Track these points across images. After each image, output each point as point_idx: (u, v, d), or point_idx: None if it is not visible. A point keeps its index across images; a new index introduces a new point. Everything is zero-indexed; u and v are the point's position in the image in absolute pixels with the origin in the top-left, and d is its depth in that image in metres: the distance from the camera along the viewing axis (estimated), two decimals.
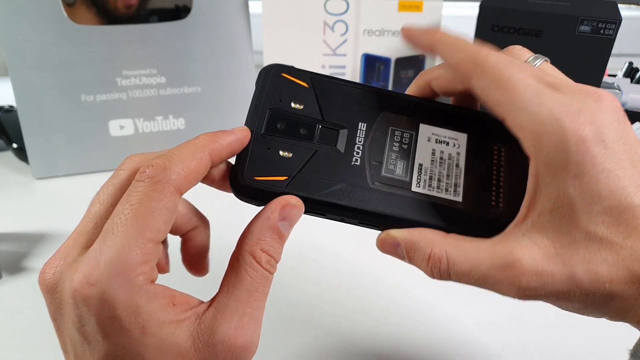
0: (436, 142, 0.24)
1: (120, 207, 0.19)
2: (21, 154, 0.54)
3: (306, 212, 0.22)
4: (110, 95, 0.52)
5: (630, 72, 0.72)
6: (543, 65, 0.23)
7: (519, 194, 0.21)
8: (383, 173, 0.23)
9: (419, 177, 0.23)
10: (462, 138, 0.24)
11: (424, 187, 0.23)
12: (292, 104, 0.24)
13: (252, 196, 0.22)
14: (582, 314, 0.20)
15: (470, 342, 0.34)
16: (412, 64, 0.55)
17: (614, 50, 0.42)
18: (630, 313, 0.19)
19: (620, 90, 0.57)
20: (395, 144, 0.24)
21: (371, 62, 0.55)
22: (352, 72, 0.55)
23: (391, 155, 0.23)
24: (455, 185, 0.23)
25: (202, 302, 0.21)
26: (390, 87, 0.56)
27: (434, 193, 0.23)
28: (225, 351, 0.19)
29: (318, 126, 0.23)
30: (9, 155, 0.56)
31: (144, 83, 0.53)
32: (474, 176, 0.23)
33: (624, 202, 0.18)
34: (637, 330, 0.20)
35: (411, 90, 0.26)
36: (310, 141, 0.23)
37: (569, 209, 0.19)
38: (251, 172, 0.22)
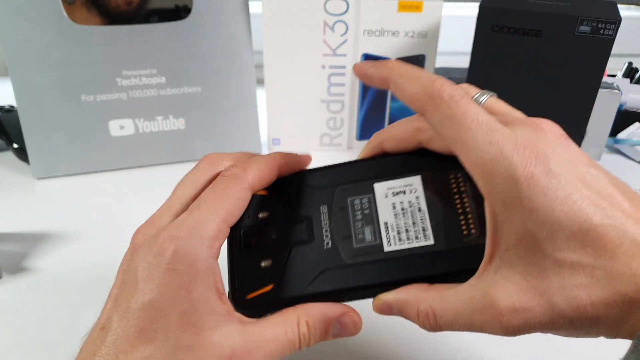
0: (393, 195, 0.24)
1: (207, 192, 0.23)
2: (21, 154, 0.54)
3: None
4: (111, 96, 0.52)
5: (630, 73, 0.72)
6: (490, 100, 0.23)
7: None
8: (355, 245, 0.24)
9: (387, 236, 0.23)
10: (416, 181, 0.24)
11: (395, 244, 0.23)
12: (260, 215, 0.25)
13: (253, 314, 0.23)
14: (577, 337, 0.20)
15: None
16: (411, 64, 0.55)
17: (614, 51, 0.42)
18: (622, 331, 0.19)
19: (619, 90, 0.57)
20: (357, 213, 0.24)
21: None
22: (352, 72, 0.56)
23: (357, 226, 0.24)
24: (424, 229, 0.23)
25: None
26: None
27: (406, 245, 0.23)
28: None
29: (286, 226, 0.25)
30: (10, 156, 0.56)
31: (144, 83, 0.53)
32: (438, 213, 0.23)
33: (585, 224, 0.19)
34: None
35: (364, 153, 0.27)
36: (284, 243, 0.24)
37: (532, 241, 0.19)
38: (243, 293, 0.23)
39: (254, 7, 0.53)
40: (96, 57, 0.50)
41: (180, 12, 0.52)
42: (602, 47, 0.42)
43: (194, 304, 0.21)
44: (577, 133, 0.46)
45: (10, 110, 0.58)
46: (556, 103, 0.45)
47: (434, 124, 0.22)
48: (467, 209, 0.23)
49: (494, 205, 0.20)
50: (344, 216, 0.24)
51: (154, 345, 0.20)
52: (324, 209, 0.25)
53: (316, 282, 0.23)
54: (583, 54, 0.43)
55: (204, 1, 0.51)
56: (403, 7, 0.52)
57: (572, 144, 0.21)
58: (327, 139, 0.60)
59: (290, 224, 0.25)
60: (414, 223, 0.23)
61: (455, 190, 0.23)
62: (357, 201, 0.24)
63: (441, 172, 0.24)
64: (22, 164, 0.55)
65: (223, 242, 0.23)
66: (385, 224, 0.24)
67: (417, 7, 0.52)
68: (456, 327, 0.21)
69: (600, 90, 0.52)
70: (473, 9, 0.47)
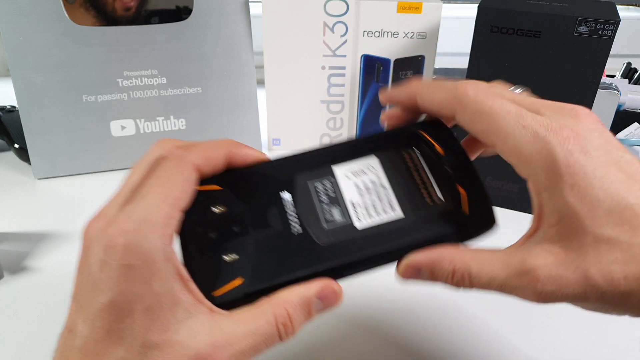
0: (355, 176, 0.25)
1: (151, 177, 0.22)
2: (23, 154, 0.54)
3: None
4: (112, 96, 0.52)
5: (629, 73, 0.72)
6: (522, 93, 0.24)
7: (445, 179, 0.23)
8: (326, 228, 0.23)
9: (357, 213, 0.24)
10: (373, 161, 0.25)
11: (365, 220, 0.23)
12: (215, 210, 0.24)
13: (226, 308, 0.22)
14: (603, 312, 0.21)
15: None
16: (411, 65, 0.56)
17: (613, 51, 0.42)
18: None
19: (618, 90, 0.57)
20: (321, 196, 0.24)
21: (371, 63, 0.55)
22: (351, 73, 0.56)
23: (324, 208, 0.24)
24: (390, 204, 0.24)
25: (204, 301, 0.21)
26: (389, 88, 0.57)
27: (377, 220, 0.23)
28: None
29: (248, 217, 0.24)
30: (11, 156, 0.56)
31: (145, 84, 0.53)
32: (400, 187, 0.24)
33: (621, 202, 0.20)
34: None
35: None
36: (247, 235, 0.23)
37: (574, 217, 0.20)
38: (209, 291, 0.22)
39: (254, 8, 0.54)
40: (97, 57, 0.51)
41: (181, 13, 0.52)
42: (601, 48, 0.42)
43: (157, 298, 0.20)
44: None
45: (12, 110, 0.58)
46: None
47: (466, 123, 0.23)
48: (426, 182, 0.24)
49: (537, 185, 0.21)
50: (309, 201, 0.24)
51: (124, 345, 0.20)
52: (286, 197, 0.24)
53: (291, 268, 0.22)
54: (582, 54, 0.43)
55: (205, 2, 0.51)
56: (402, 8, 0.53)
57: (607, 130, 0.22)
58: (327, 139, 0.60)
59: (252, 215, 0.24)
60: (379, 199, 0.24)
61: (411, 165, 0.25)
62: (319, 185, 0.25)
63: (394, 151, 0.25)
64: (23, 164, 0.55)
65: (175, 228, 0.21)
66: (352, 202, 0.24)
67: (417, 8, 0.53)
68: (488, 288, 0.22)
69: (599, 91, 0.52)
70: (472, 10, 0.47)
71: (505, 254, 0.22)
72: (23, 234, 0.44)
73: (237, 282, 0.22)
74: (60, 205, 0.49)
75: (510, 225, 0.26)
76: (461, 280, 0.22)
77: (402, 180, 0.25)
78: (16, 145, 0.55)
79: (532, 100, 0.23)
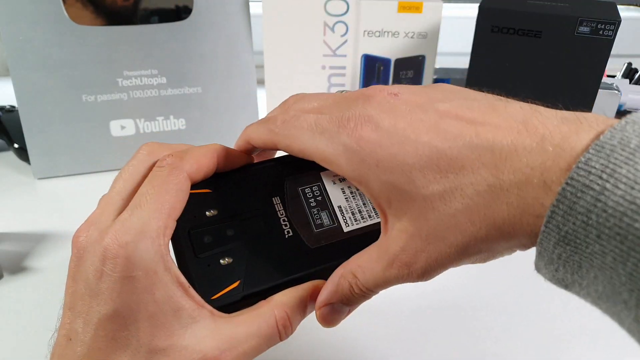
0: (340, 182, 0.26)
1: (146, 186, 0.22)
2: (22, 154, 0.54)
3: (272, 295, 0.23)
4: (112, 96, 0.52)
5: (629, 73, 0.72)
6: (335, 94, 0.24)
7: None
8: (315, 230, 0.24)
9: (344, 218, 0.25)
10: None
11: (352, 224, 0.24)
12: (207, 214, 0.24)
13: (225, 311, 0.22)
14: (486, 259, 0.20)
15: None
16: (411, 65, 0.56)
17: (613, 51, 0.42)
18: (524, 244, 0.18)
19: (619, 91, 0.57)
20: (310, 200, 0.25)
21: (371, 63, 0.55)
22: (352, 72, 0.56)
23: (313, 212, 0.25)
24: (374, 208, 0.24)
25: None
26: None
27: (362, 224, 0.24)
28: None
29: (240, 221, 0.24)
30: (10, 156, 0.56)
31: (145, 83, 0.53)
32: None
33: (433, 155, 0.19)
34: None
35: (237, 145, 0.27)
36: (241, 238, 0.24)
37: (396, 191, 0.20)
38: (207, 295, 0.22)
39: (255, 8, 0.54)
40: (97, 57, 0.50)
41: (180, 13, 0.52)
42: (602, 48, 0.42)
43: (160, 306, 0.20)
44: None
45: (11, 110, 0.58)
46: (555, 103, 0.45)
47: (285, 149, 0.23)
48: None
49: (352, 178, 0.21)
50: (299, 205, 0.25)
51: (129, 351, 0.20)
52: (276, 200, 0.25)
53: (285, 270, 0.23)
54: (583, 54, 0.43)
55: (205, 2, 0.51)
56: (403, 8, 0.53)
57: (403, 95, 0.21)
58: None
59: (244, 218, 0.24)
60: (364, 204, 0.25)
61: None
62: (307, 190, 0.25)
63: None
64: (23, 164, 0.55)
65: (170, 236, 0.22)
66: (339, 207, 0.25)
67: (417, 8, 0.53)
68: (384, 287, 0.22)
69: (600, 91, 0.52)
70: (473, 10, 0.47)
71: (375, 249, 0.22)
72: (23, 234, 0.44)
73: (235, 285, 0.22)
74: (60, 205, 0.49)
75: None
76: (359, 289, 0.22)
77: None
78: (16, 145, 0.55)
79: (332, 100, 0.23)
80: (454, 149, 0.19)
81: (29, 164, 0.53)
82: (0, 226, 0.45)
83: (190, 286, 0.21)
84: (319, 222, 0.24)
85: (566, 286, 0.18)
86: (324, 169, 0.26)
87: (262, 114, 0.58)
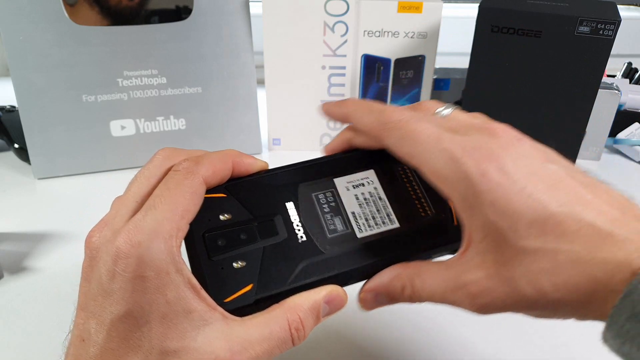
0: (354, 188, 0.26)
1: (161, 189, 0.22)
2: (22, 154, 0.54)
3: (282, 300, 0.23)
4: (112, 96, 0.52)
5: (629, 73, 0.72)
6: (452, 112, 0.25)
7: (436, 194, 0.24)
8: (329, 236, 0.24)
9: (357, 224, 0.25)
10: (371, 174, 0.27)
11: (366, 230, 0.25)
12: (221, 218, 0.24)
13: (237, 314, 0.22)
14: (546, 317, 0.21)
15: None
16: (411, 65, 0.55)
17: (613, 51, 0.42)
18: (591, 312, 0.20)
19: (619, 90, 0.57)
20: (324, 206, 0.25)
21: (371, 63, 0.55)
22: (352, 72, 0.56)
23: (327, 217, 0.25)
24: (388, 215, 0.25)
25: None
26: (390, 87, 0.57)
27: (376, 230, 0.25)
28: None
29: (254, 225, 0.24)
30: (11, 156, 0.56)
31: (145, 83, 0.53)
32: (396, 200, 0.26)
33: (543, 212, 0.20)
34: None
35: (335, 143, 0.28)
36: (254, 242, 0.24)
37: (496, 233, 0.21)
38: (220, 298, 0.22)
39: (255, 8, 0.54)
40: (97, 57, 0.51)
41: (181, 13, 0.52)
42: (602, 48, 0.42)
43: (172, 307, 0.20)
44: (576, 133, 0.46)
45: (12, 110, 0.58)
46: (556, 103, 0.45)
47: (391, 146, 0.24)
48: (419, 195, 0.26)
49: (457, 205, 0.22)
50: (313, 210, 0.25)
51: (141, 352, 0.20)
52: (290, 206, 0.25)
53: (298, 275, 0.23)
54: (582, 54, 0.43)
55: (205, 2, 0.51)
56: (403, 8, 0.53)
57: (526, 144, 0.22)
58: (327, 139, 0.60)
59: (258, 222, 0.24)
60: (378, 210, 0.25)
61: (405, 180, 0.26)
62: (321, 196, 0.26)
63: (389, 166, 0.27)
64: (23, 164, 0.55)
65: (183, 238, 0.22)
66: (353, 213, 0.25)
67: (417, 8, 0.53)
68: (434, 301, 0.23)
69: (600, 91, 0.52)
70: (473, 10, 0.47)
71: (444, 268, 0.23)
72: (23, 234, 0.44)
73: (247, 288, 0.23)
74: (60, 205, 0.49)
75: None
76: (410, 295, 0.23)
77: (397, 193, 0.26)
78: (16, 145, 0.55)
79: (456, 121, 0.24)
80: (562, 215, 0.20)
81: (29, 164, 0.53)
82: (0, 226, 0.45)
83: (202, 288, 0.21)
84: (332, 227, 0.25)
85: None
86: (337, 176, 0.26)
87: (262, 113, 0.58)
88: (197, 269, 0.23)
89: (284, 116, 0.58)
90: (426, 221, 0.25)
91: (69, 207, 0.49)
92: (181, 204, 0.22)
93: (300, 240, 0.24)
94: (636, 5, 0.87)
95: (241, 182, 0.25)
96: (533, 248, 0.20)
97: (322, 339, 0.35)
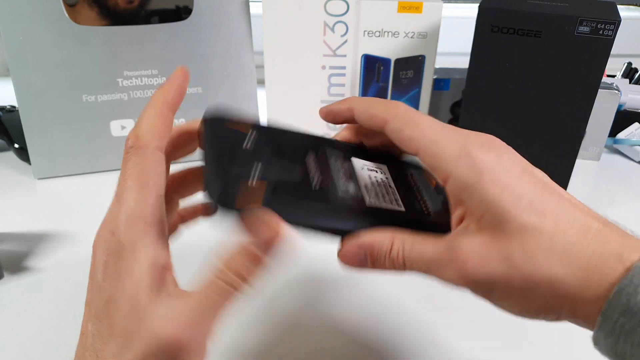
0: (368, 170, 0.27)
1: (122, 177, 0.23)
2: (23, 154, 0.54)
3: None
4: (112, 96, 0.52)
5: (629, 73, 0.72)
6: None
7: (436, 205, 0.26)
8: (340, 194, 0.25)
9: (368, 194, 0.26)
10: (384, 168, 0.28)
11: (375, 201, 0.26)
12: (245, 146, 0.25)
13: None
14: (521, 303, 0.22)
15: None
16: (411, 65, 0.55)
17: (613, 51, 0.42)
18: (580, 311, 0.20)
19: (619, 90, 0.57)
20: (340, 172, 0.26)
21: (371, 63, 0.55)
22: (352, 72, 0.56)
23: (341, 180, 0.26)
24: (396, 199, 0.26)
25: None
26: (390, 87, 0.57)
27: (384, 205, 0.26)
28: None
29: (275, 160, 0.25)
30: (11, 156, 0.56)
31: (145, 84, 0.53)
32: (404, 194, 0.27)
33: (542, 196, 0.21)
34: None
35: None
36: (272, 171, 0.24)
37: (498, 208, 0.21)
38: (230, 205, 0.22)
39: (255, 8, 0.54)
40: (97, 57, 0.51)
41: (181, 13, 0.52)
42: (602, 48, 0.42)
43: (136, 287, 0.20)
44: (576, 133, 0.46)
45: (12, 110, 0.59)
46: (556, 103, 0.45)
47: (394, 131, 0.25)
48: (423, 197, 0.27)
49: (458, 184, 0.23)
50: (330, 171, 0.26)
51: (115, 338, 0.20)
52: (310, 160, 0.26)
53: (305, 215, 0.23)
54: (582, 54, 0.43)
55: (205, 2, 0.51)
56: (403, 8, 0.53)
57: (516, 153, 0.24)
58: None
59: (280, 160, 0.25)
60: (387, 192, 0.27)
61: (412, 183, 0.28)
62: (339, 163, 0.27)
63: (401, 167, 0.29)
64: (23, 164, 0.55)
65: (158, 211, 0.22)
66: (365, 185, 0.26)
67: (417, 8, 0.53)
68: (419, 266, 0.23)
69: (600, 91, 0.52)
70: (473, 10, 0.47)
71: (437, 237, 0.23)
72: (23, 234, 0.44)
73: (257, 203, 0.22)
74: (60, 205, 0.49)
75: None
76: (394, 258, 0.24)
77: (405, 190, 0.27)
78: (16, 145, 0.55)
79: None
80: (558, 205, 0.21)
81: (29, 164, 0.53)
82: (0, 226, 0.45)
83: (166, 268, 0.21)
84: (344, 188, 0.25)
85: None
86: (355, 157, 0.28)
87: (263, 114, 0.58)
88: (213, 173, 0.22)
89: (283, 116, 0.58)
90: (428, 220, 0.26)
91: (69, 207, 0.49)
92: (145, 183, 0.22)
93: (313, 188, 0.25)
94: (636, 5, 0.87)
95: (268, 128, 0.27)
96: (533, 224, 0.21)
97: (322, 339, 0.35)
